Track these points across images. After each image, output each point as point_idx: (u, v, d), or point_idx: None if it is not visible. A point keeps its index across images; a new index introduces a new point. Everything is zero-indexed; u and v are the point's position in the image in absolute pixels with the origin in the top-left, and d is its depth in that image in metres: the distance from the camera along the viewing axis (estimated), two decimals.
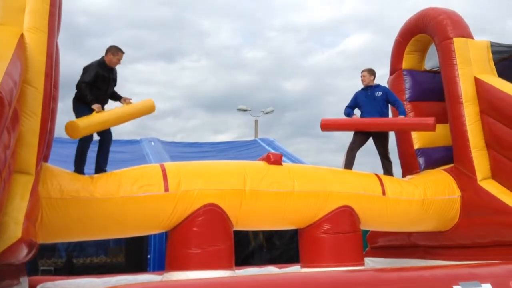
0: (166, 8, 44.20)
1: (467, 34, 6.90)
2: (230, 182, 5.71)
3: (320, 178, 6.27)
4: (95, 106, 5.67)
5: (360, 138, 7.00)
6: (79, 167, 5.66)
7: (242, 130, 39.78)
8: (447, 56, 6.81)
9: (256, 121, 22.20)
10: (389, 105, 7.25)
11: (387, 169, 7.08)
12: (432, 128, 6.65)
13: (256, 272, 6.93)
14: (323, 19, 46.53)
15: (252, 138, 19.34)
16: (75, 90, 5.84)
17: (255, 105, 25.31)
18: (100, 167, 5.90)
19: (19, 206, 3.96)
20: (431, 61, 7.69)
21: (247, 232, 9.45)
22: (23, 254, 4.10)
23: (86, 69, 5.85)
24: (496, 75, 6.83)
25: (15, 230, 3.75)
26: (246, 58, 43.96)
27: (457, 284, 3.54)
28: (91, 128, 5.50)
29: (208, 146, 13.59)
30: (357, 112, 7.25)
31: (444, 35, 6.85)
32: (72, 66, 5.86)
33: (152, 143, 12.59)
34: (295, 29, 45.74)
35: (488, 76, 6.74)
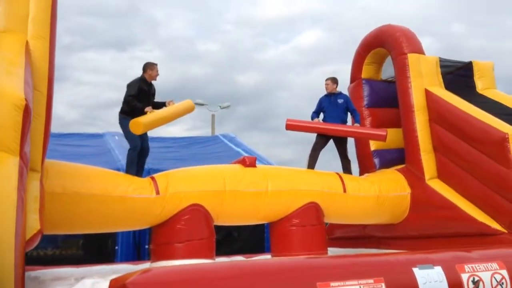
0: None
1: (419, 50, 7.74)
2: (212, 184, 6.31)
3: (290, 178, 6.93)
4: (148, 109, 6.40)
5: (322, 139, 7.72)
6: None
7: (194, 123, 39.77)
8: (402, 69, 7.62)
9: (213, 116, 22.55)
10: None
11: (346, 167, 7.81)
12: (384, 139, 7.48)
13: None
14: (277, 14, 47.33)
15: (205, 130, 19.47)
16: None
17: (208, 98, 25.46)
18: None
19: (35, 200, 4.29)
20: (387, 71, 8.55)
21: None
22: (35, 245, 4.44)
23: (129, 86, 6.49)
24: (443, 87, 7.70)
25: (35, 222, 4.10)
26: (199, 51, 43.97)
27: (416, 266, 4.31)
28: (151, 124, 6.24)
29: (170, 141, 13.59)
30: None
31: (399, 50, 7.68)
32: None
33: (116, 137, 12.54)
34: (250, 24, 46.23)
35: (436, 88, 7.59)
